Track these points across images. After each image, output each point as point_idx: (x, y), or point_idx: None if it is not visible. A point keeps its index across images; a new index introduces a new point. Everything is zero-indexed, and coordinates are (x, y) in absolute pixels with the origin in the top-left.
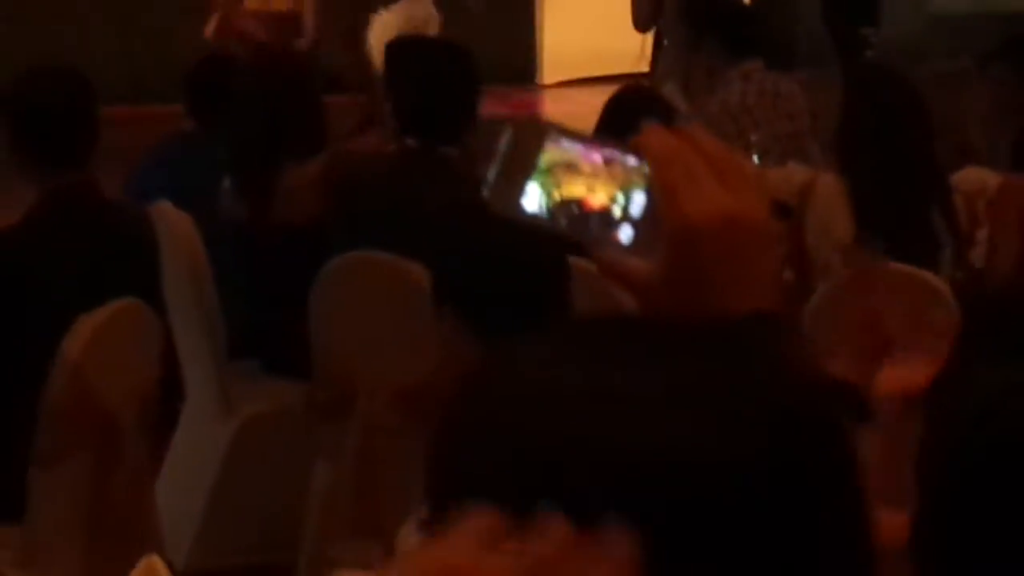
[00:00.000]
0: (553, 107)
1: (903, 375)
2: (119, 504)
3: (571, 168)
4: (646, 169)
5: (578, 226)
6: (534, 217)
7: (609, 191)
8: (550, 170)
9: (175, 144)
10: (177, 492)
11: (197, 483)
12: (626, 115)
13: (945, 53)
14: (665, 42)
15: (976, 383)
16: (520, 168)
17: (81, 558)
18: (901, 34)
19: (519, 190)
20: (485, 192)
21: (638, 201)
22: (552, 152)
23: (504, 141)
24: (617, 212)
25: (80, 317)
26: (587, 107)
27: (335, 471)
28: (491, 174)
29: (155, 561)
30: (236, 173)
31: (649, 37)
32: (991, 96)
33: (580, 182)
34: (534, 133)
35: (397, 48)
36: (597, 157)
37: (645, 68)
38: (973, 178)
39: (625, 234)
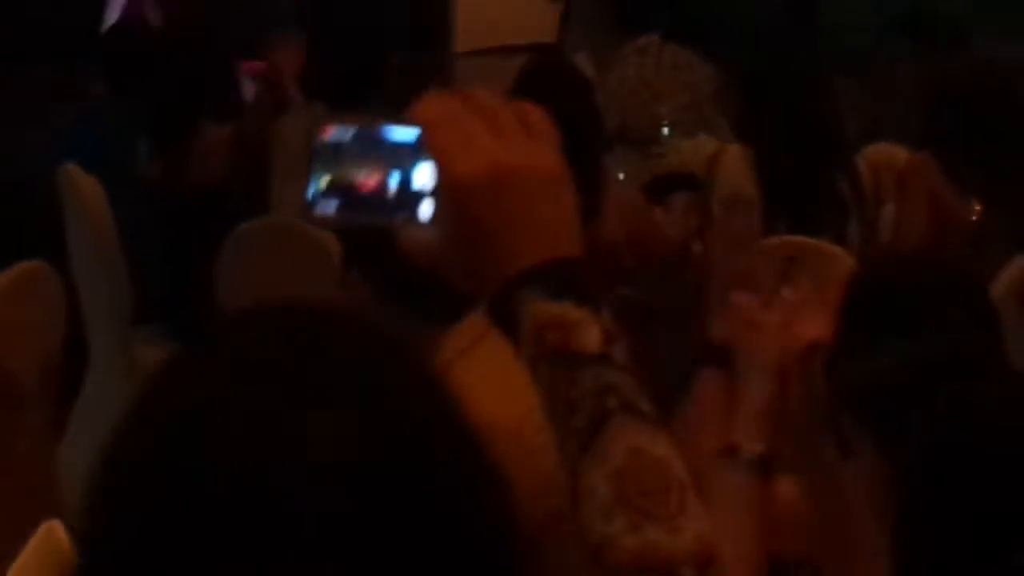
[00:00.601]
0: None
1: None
2: (20, 469)
3: (339, 153)
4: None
5: (352, 213)
6: (328, 218)
7: (381, 171)
8: (322, 158)
9: (87, 108)
10: (81, 456)
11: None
12: (541, 85)
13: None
14: (574, 13)
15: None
16: (296, 166)
17: None
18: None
19: (304, 184)
20: (275, 191)
21: (427, 174)
22: (322, 139)
23: (281, 134)
24: (392, 190)
25: None
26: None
27: None
28: (278, 172)
29: (56, 526)
30: (153, 134)
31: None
32: (895, 72)
33: (351, 166)
34: (302, 122)
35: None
36: (371, 136)
37: (550, 38)
38: (882, 152)
39: (426, 210)
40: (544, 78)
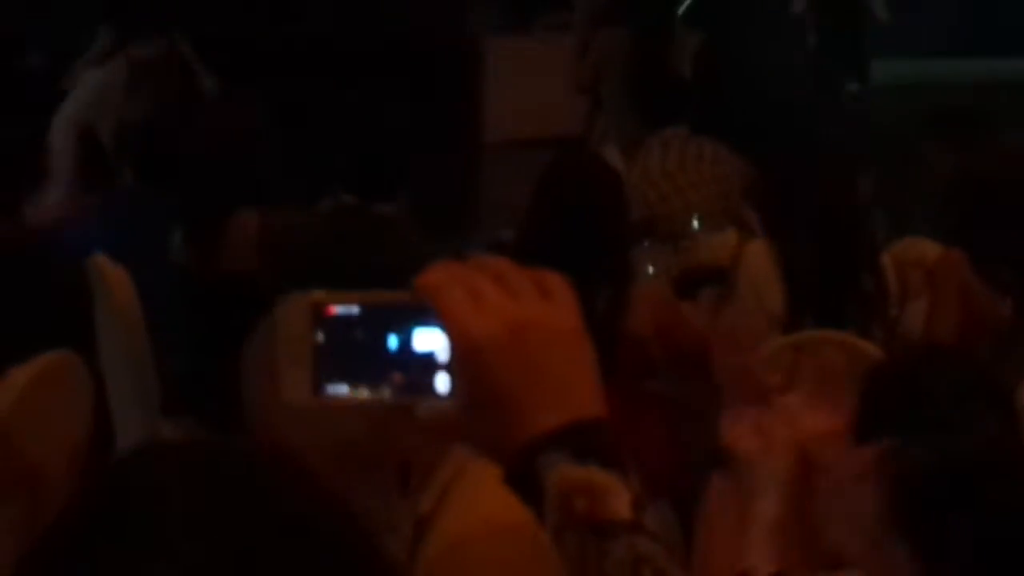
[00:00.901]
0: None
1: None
2: None
3: (347, 330)
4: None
5: (365, 392)
6: (339, 398)
7: (391, 346)
8: (328, 337)
9: (116, 199)
10: None
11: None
12: (569, 179)
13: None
14: (604, 105)
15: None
16: (300, 350)
17: None
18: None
19: (312, 374)
20: (281, 372)
21: (440, 346)
22: (327, 317)
23: (275, 322)
24: (405, 366)
25: (11, 370)
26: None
27: None
28: (282, 355)
29: None
30: (186, 223)
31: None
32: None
33: (359, 343)
34: (301, 310)
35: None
36: (378, 311)
37: (578, 130)
38: (911, 248)
39: (443, 383)
40: (572, 172)
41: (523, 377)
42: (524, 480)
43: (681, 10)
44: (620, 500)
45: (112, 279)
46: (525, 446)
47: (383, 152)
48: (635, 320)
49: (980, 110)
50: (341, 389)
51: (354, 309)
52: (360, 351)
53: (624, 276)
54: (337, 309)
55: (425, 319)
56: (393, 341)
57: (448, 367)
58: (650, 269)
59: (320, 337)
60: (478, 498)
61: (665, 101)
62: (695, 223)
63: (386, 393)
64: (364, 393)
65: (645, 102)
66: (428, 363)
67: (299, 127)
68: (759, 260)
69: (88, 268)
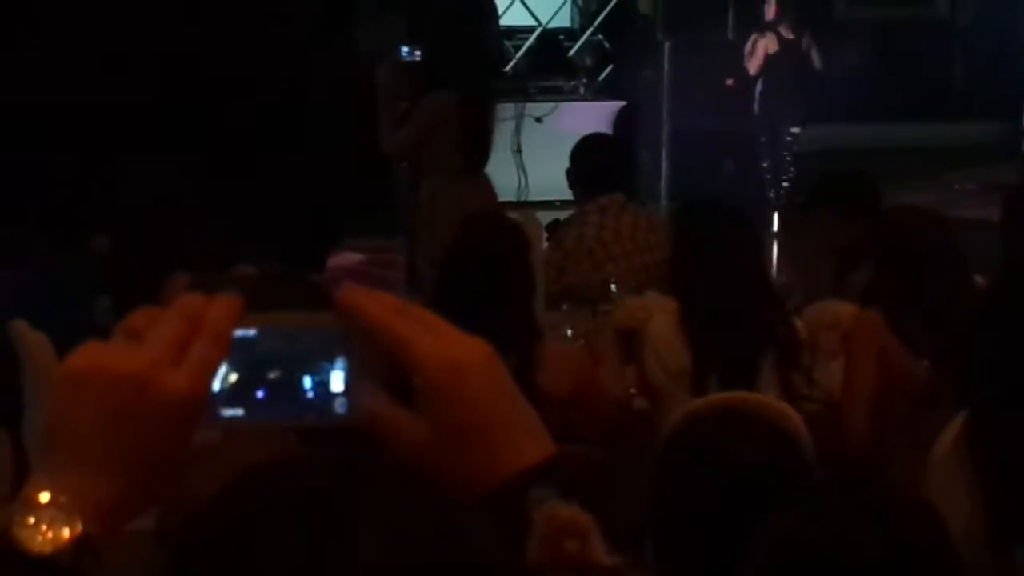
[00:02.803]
0: None
1: None
2: None
3: (245, 351)
4: (339, 333)
5: (260, 413)
6: (225, 417)
7: (288, 369)
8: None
9: (33, 267)
10: None
11: None
12: (472, 244)
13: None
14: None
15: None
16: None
17: None
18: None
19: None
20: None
21: (328, 372)
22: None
23: None
24: (303, 389)
25: None
26: None
27: None
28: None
29: None
30: (114, 287)
31: None
32: (818, 237)
33: (256, 364)
34: None
35: None
36: (278, 335)
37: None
38: (824, 311)
39: (340, 405)
40: (478, 236)
41: (506, 404)
42: (506, 510)
43: (602, 77)
44: (599, 544)
45: (32, 343)
46: (515, 477)
47: (315, 221)
48: (552, 382)
49: (865, 175)
50: (237, 411)
51: (253, 331)
52: (258, 375)
53: (532, 337)
54: (239, 330)
55: (328, 344)
56: (291, 364)
57: (345, 393)
58: (568, 332)
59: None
60: None
61: (605, 167)
62: (613, 287)
63: (281, 415)
64: (258, 413)
65: (585, 168)
66: (326, 387)
67: (229, 194)
68: (665, 320)
69: (9, 334)
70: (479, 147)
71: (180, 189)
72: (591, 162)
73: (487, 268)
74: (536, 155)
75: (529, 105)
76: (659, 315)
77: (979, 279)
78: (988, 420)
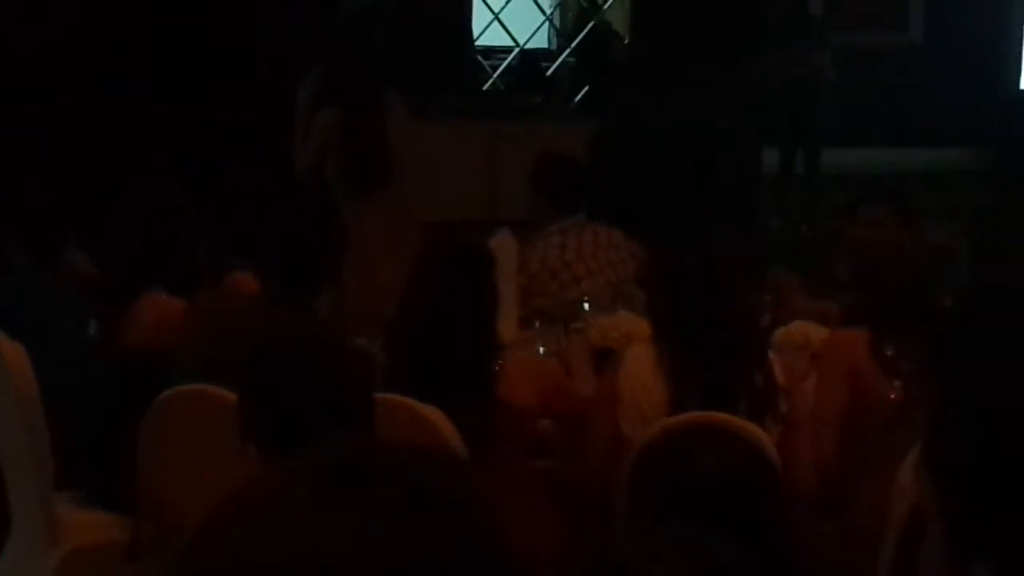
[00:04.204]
0: None
1: None
2: None
3: None
4: None
5: None
6: None
7: None
8: None
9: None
10: None
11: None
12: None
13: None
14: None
15: None
16: None
17: None
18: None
19: None
20: None
21: None
22: None
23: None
24: None
25: None
26: None
27: None
28: None
29: None
30: (101, 298)
31: None
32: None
33: None
34: None
35: None
36: None
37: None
38: (797, 332)
39: None
40: (439, 253)
41: None
42: None
43: (578, 98)
44: None
45: (8, 354)
46: None
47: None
48: (515, 391)
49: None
50: None
51: None
52: None
53: (490, 352)
54: None
55: None
56: None
57: None
58: (540, 350)
59: None
60: None
61: (567, 187)
62: (585, 305)
63: None
64: None
65: (547, 187)
66: None
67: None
68: (639, 362)
69: None
70: (369, 166)
71: (177, 202)
72: (550, 183)
73: (444, 285)
74: (510, 173)
75: (504, 123)
76: (636, 347)
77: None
78: (942, 439)
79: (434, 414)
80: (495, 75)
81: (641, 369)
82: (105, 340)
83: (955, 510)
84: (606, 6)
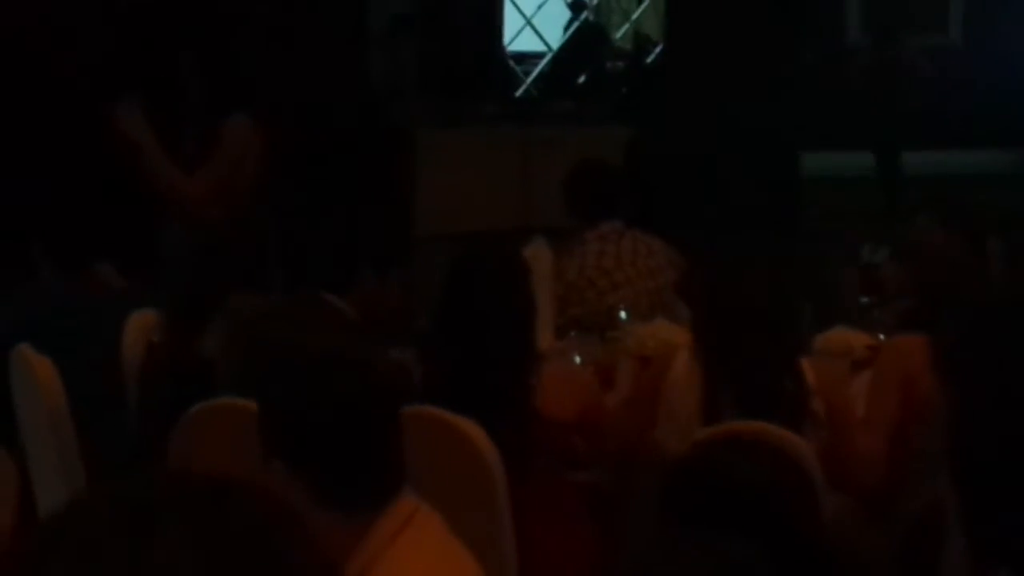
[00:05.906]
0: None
1: None
2: None
3: None
4: None
5: None
6: None
7: None
8: None
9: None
10: None
11: None
12: (467, 276)
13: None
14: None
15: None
16: None
17: None
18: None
19: None
20: None
21: None
22: None
23: None
24: None
25: None
26: None
27: None
28: None
29: None
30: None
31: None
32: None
33: None
34: None
35: None
36: None
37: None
38: (837, 339)
39: None
40: (475, 264)
41: None
42: None
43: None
44: None
45: (37, 368)
46: None
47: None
48: (555, 404)
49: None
50: None
51: None
52: None
53: (529, 362)
54: None
55: None
56: None
57: None
58: (577, 359)
59: None
60: (420, 559)
61: (604, 193)
62: (622, 314)
63: None
64: None
65: (583, 195)
66: None
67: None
68: (684, 369)
69: (12, 359)
70: None
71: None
72: (587, 189)
73: (480, 297)
74: (544, 180)
75: (537, 130)
76: (683, 353)
77: None
78: (965, 443)
79: (471, 428)
80: (528, 81)
81: (683, 376)
82: (178, 350)
83: (977, 513)
84: (639, 10)
